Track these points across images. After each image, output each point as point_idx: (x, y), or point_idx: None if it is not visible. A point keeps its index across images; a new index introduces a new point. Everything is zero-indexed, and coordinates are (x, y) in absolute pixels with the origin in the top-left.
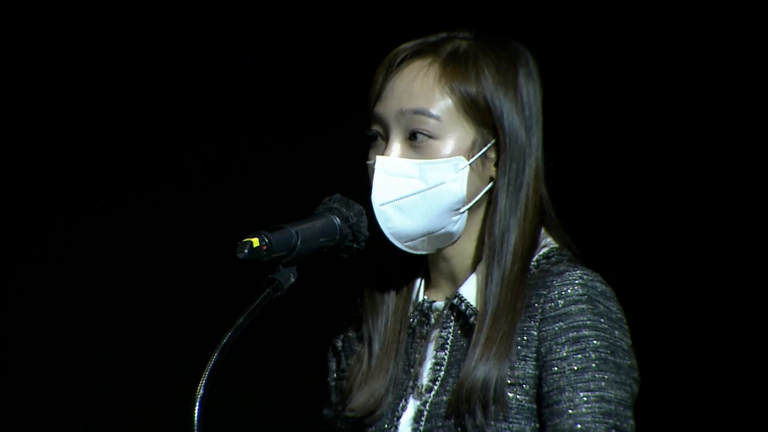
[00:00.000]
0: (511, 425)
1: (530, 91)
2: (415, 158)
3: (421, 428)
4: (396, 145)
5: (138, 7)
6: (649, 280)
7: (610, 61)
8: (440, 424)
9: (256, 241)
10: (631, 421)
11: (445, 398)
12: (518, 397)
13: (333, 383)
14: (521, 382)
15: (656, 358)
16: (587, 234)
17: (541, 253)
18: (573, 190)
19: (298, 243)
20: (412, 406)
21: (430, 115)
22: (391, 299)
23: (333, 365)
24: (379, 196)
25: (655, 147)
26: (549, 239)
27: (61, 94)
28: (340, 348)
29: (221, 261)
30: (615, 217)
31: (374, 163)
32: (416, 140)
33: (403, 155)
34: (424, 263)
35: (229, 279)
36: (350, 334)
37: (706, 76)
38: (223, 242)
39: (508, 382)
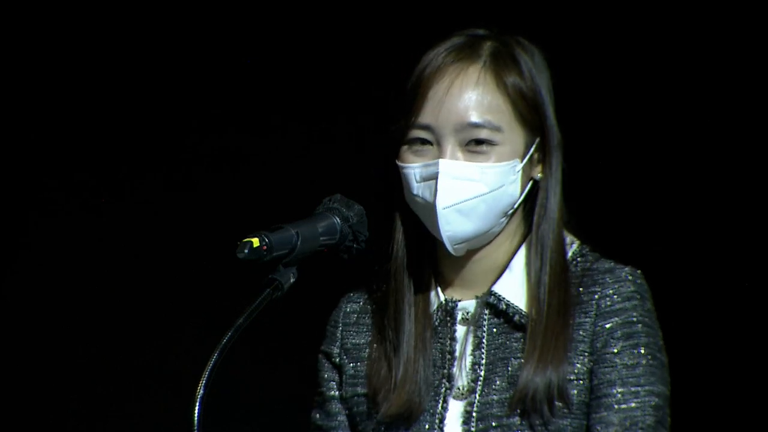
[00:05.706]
0: (572, 421)
1: (551, 88)
2: (476, 162)
3: (473, 429)
4: (454, 150)
5: (138, 6)
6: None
7: (619, 61)
8: (494, 423)
9: (256, 241)
10: (669, 418)
11: (495, 398)
12: (579, 392)
13: (334, 392)
14: (580, 378)
15: None
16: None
17: (573, 249)
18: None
19: (298, 243)
20: (454, 407)
21: (493, 127)
22: (411, 301)
23: (332, 374)
24: (443, 199)
25: (652, 145)
26: (570, 236)
27: (61, 94)
28: (336, 355)
29: (221, 261)
30: (613, 218)
31: (437, 166)
32: (475, 146)
33: (465, 159)
34: (431, 265)
35: (229, 279)
36: (352, 341)
37: (708, 77)
38: (223, 242)
39: (570, 378)
